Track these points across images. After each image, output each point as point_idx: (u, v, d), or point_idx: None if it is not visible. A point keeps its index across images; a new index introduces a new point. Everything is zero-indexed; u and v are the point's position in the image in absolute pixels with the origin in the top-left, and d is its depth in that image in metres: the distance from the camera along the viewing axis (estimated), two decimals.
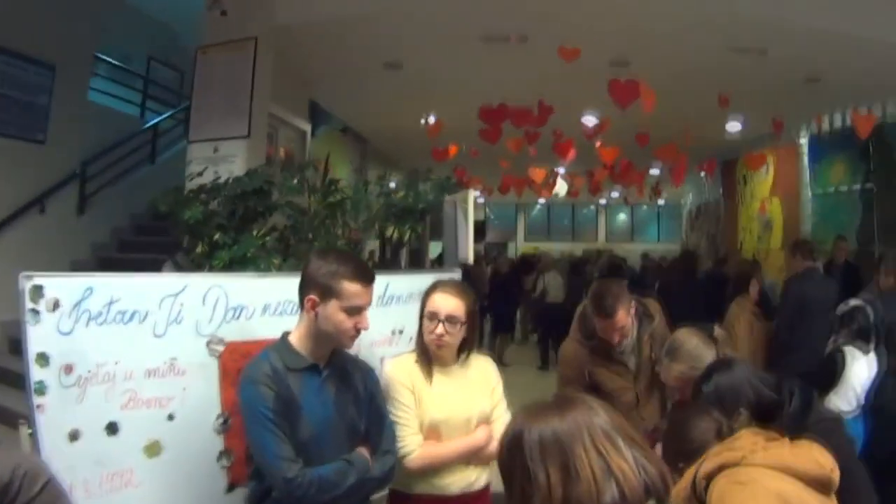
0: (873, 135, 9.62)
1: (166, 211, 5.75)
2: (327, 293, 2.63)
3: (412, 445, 3.01)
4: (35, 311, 2.71)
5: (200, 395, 3.05)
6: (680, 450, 2.45)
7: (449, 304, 3.07)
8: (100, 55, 9.99)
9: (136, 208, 9.47)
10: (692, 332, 3.20)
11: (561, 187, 17.31)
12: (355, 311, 2.66)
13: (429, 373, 3.14)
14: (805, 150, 12.35)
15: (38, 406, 2.68)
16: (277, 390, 2.58)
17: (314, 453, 2.62)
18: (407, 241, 6.19)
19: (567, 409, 1.58)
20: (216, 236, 5.31)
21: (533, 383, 9.96)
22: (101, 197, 8.90)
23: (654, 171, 15.91)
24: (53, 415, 2.71)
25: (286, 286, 3.06)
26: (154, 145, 10.37)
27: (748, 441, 2.29)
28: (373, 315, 2.80)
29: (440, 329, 3.05)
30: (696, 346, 3.12)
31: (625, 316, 3.67)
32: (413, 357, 3.20)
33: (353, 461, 2.68)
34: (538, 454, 1.51)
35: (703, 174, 16.76)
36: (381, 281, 3.42)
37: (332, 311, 2.64)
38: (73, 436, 2.75)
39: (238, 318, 3.17)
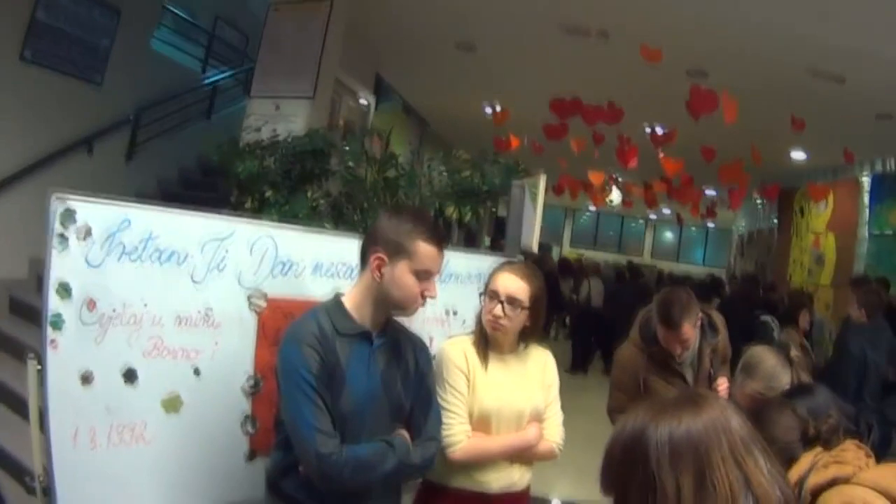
0: None
1: (219, 162, 5.53)
2: (399, 252, 2.39)
3: (459, 435, 2.75)
4: (63, 237, 2.43)
5: (233, 351, 2.77)
6: None
7: (512, 284, 2.81)
8: (167, 6, 9.80)
9: (186, 161, 9.26)
10: (770, 351, 3.08)
11: (616, 195, 16.98)
12: (426, 275, 2.43)
13: (484, 358, 2.87)
14: (867, 187, 11.88)
15: (52, 341, 2.40)
16: (323, 355, 2.32)
17: (352, 429, 2.36)
18: (466, 222, 5.91)
19: (702, 407, 1.32)
20: (268, 193, 5.09)
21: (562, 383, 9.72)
22: (152, 146, 8.63)
23: (710, 192, 15.48)
24: (67, 352, 2.43)
25: (342, 246, 2.81)
26: (212, 102, 10.11)
27: (854, 455, 2.10)
28: None
29: (498, 310, 2.79)
30: (773, 367, 2.99)
31: (690, 329, 3.44)
32: (470, 339, 2.92)
33: (394, 444, 2.40)
34: (668, 458, 1.27)
35: (759, 200, 16.35)
36: None
37: (401, 273, 2.40)
38: (86, 378, 2.47)
39: (286, 273, 2.87)
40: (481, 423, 2.82)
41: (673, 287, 3.76)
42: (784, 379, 2.92)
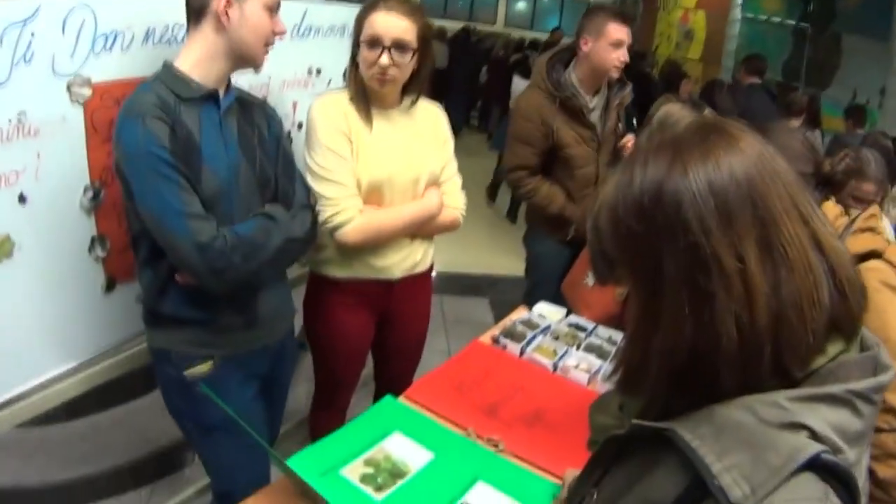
0: None
1: None
2: None
3: (350, 211, 2.39)
4: None
5: (61, 161, 2.09)
6: None
7: (396, 25, 2.36)
8: None
9: None
10: (685, 108, 2.83)
11: None
12: (276, 8, 2.09)
13: (367, 117, 2.47)
14: None
15: None
16: (172, 125, 1.92)
17: (221, 213, 2.02)
18: None
19: (738, 139, 0.93)
20: None
21: None
22: None
23: None
24: None
25: (177, 4, 2.15)
26: None
27: (879, 220, 1.99)
28: (286, 50, 2.28)
29: (385, 59, 2.35)
30: None
31: (630, 34, 3.27)
32: (345, 96, 2.48)
33: (274, 216, 2.11)
34: (715, 217, 0.87)
35: None
36: (297, 8, 2.67)
37: (253, 9, 2.02)
38: None
39: (111, 48, 2.16)
40: (372, 195, 2.48)
41: None
42: None
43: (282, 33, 2.07)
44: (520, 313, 2.93)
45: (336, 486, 1.81)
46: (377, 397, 2.69)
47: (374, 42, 2.36)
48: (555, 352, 2.59)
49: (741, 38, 12.34)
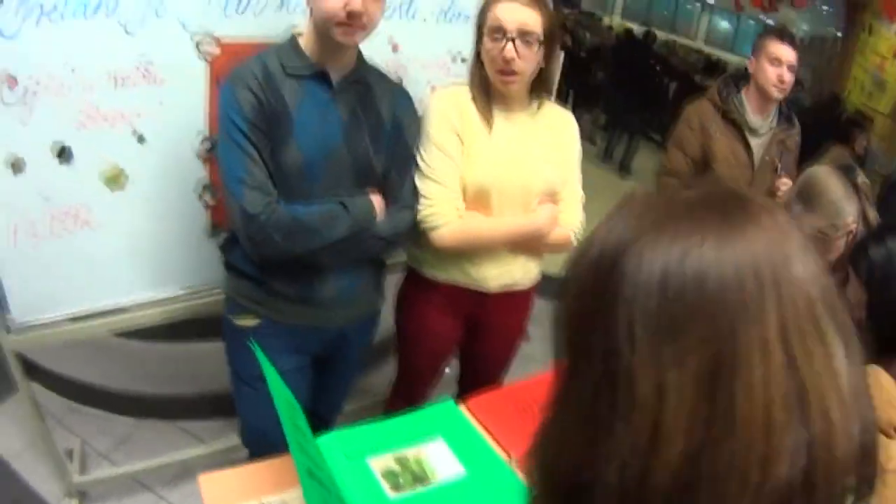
0: None
1: None
2: None
3: (448, 214, 2.24)
4: None
5: (182, 110, 2.26)
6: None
7: (521, 13, 2.13)
8: None
9: None
10: (834, 175, 2.39)
11: None
12: None
13: (487, 116, 2.26)
14: None
15: None
16: (262, 97, 1.93)
17: (300, 188, 2.01)
18: None
19: (749, 219, 0.66)
20: None
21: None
22: None
23: None
24: None
25: None
26: None
27: None
28: (429, 31, 2.24)
29: (510, 49, 2.12)
30: (840, 199, 2.31)
31: (795, 55, 3.08)
32: (468, 92, 2.29)
33: (349, 206, 2.04)
34: (653, 328, 0.62)
35: (825, 5, 14.43)
36: None
37: None
38: (17, 166, 2.06)
39: (243, 11, 2.26)
40: (478, 200, 2.29)
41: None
42: (850, 214, 2.31)
43: (354, 9, 1.87)
44: None
45: (354, 471, 1.81)
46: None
47: (498, 32, 2.15)
48: None
49: None
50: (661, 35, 15.97)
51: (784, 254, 0.64)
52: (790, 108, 3.34)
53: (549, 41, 2.19)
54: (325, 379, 2.44)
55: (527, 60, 2.16)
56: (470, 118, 2.26)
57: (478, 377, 2.66)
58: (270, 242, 1.95)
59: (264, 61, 1.97)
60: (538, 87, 2.31)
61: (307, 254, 2.02)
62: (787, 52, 3.08)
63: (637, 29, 13.24)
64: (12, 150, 2.04)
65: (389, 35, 2.55)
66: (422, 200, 2.21)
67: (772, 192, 3.15)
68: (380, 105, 2.13)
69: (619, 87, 9.64)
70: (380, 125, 2.12)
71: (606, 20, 20.38)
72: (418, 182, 2.22)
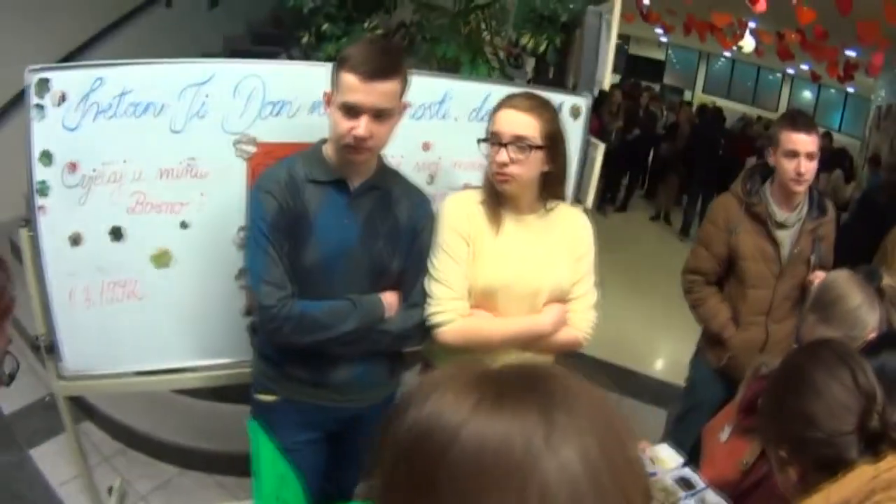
0: None
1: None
2: (334, 86, 2.10)
3: (450, 313, 2.29)
4: (40, 107, 2.27)
5: (221, 202, 2.51)
6: (789, 430, 1.55)
7: (516, 120, 2.19)
8: None
9: (256, 15, 7.97)
10: (854, 281, 2.21)
11: (748, 42, 14.97)
12: (351, 110, 2.05)
13: (496, 220, 2.33)
14: None
15: (40, 207, 2.35)
16: (285, 202, 2.13)
17: (317, 286, 2.19)
18: (541, 53, 5.01)
19: (520, 407, 0.69)
20: (324, 26, 4.38)
21: None
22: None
23: (850, 53, 13.54)
24: (55, 216, 2.38)
25: None
26: None
27: None
28: (464, 131, 2.36)
29: (503, 155, 2.19)
30: (858, 307, 2.11)
31: (816, 141, 2.88)
32: (479, 196, 2.37)
33: (358, 303, 2.19)
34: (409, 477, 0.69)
35: None
36: (480, 90, 2.77)
37: (333, 109, 2.11)
38: (75, 240, 2.42)
39: (277, 114, 2.50)
40: (485, 300, 2.34)
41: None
42: (870, 323, 2.10)
43: (358, 135, 2.05)
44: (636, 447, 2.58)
45: None
46: None
47: (495, 137, 2.23)
48: None
49: None
50: (742, 108, 15.41)
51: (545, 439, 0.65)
52: (822, 196, 3.16)
53: (550, 144, 2.24)
54: (342, 455, 2.57)
55: (522, 165, 2.21)
56: (478, 221, 2.32)
57: None
58: (281, 333, 2.13)
59: (290, 167, 2.16)
60: (547, 189, 2.34)
61: (317, 345, 2.18)
62: (802, 141, 2.86)
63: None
64: (73, 226, 2.39)
65: (421, 136, 2.73)
66: (428, 300, 2.31)
67: (805, 286, 3.02)
68: (397, 209, 2.27)
69: (697, 162, 9.92)
70: (397, 228, 2.26)
71: (688, 94, 20.56)
72: (427, 283, 2.32)
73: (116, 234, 2.43)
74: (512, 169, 2.21)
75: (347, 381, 2.34)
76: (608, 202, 10.72)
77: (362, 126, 2.03)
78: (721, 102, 15.77)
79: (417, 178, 2.66)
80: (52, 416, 3.15)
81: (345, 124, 2.04)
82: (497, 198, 2.32)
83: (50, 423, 3.39)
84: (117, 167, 2.37)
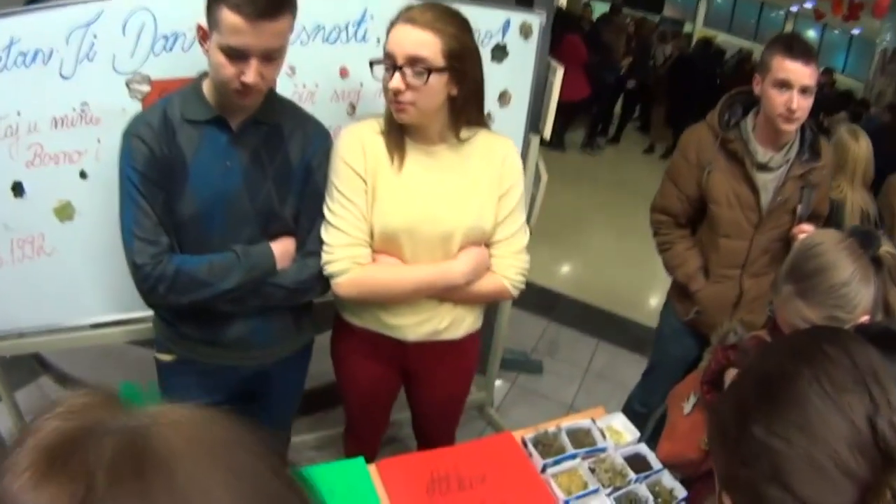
0: None
1: None
2: (210, 23, 1.83)
3: (344, 262, 2.08)
4: None
5: (119, 147, 2.31)
6: (745, 474, 0.91)
7: (411, 38, 1.91)
8: None
9: None
10: (844, 247, 1.74)
11: None
12: (237, 54, 1.80)
13: (398, 152, 2.07)
14: None
15: None
16: (158, 147, 1.94)
17: (196, 237, 2.03)
18: None
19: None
20: None
21: None
22: None
23: None
24: None
25: None
26: None
27: None
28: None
29: (397, 81, 1.92)
30: (846, 282, 1.69)
31: (814, 73, 2.45)
32: (378, 126, 2.11)
33: (243, 255, 2.01)
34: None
35: None
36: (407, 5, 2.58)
37: (212, 50, 1.84)
38: None
39: (171, 49, 2.32)
40: (389, 245, 2.12)
41: None
42: (863, 301, 1.71)
43: (248, 82, 1.82)
44: (586, 416, 2.39)
45: None
46: (420, 447, 2.60)
47: (388, 59, 1.96)
48: (585, 484, 2.12)
49: None
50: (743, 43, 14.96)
51: None
52: (815, 134, 2.70)
53: (454, 64, 1.96)
54: (257, 415, 2.45)
55: (419, 91, 1.95)
56: (377, 155, 2.09)
57: (425, 428, 2.62)
58: (156, 293, 1.99)
59: (166, 107, 1.99)
60: (459, 116, 2.08)
61: (202, 303, 2.04)
62: (798, 71, 2.44)
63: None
64: None
65: (338, 61, 2.55)
66: (323, 248, 2.12)
67: (788, 239, 2.66)
68: (289, 145, 2.08)
69: (680, 94, 9.98)
70: (287, 167, 2.08)
71: (688, 27, 20.32)
72: (322, 229, 2.13)
73: (17, 189, 2.32)
74: (408, 96, 1.94)
75: (244, 338, 2.19)
76: (601, 133, 10.70)
77: (251, 72, 1.82)
78: (722, 37, 15.47)
79: (336, 109, 2.52)
80: None
81: (230, 69, 1.82)
82: (399, 127, 2.06)
83: None
84: (11, 120, 2.23)
